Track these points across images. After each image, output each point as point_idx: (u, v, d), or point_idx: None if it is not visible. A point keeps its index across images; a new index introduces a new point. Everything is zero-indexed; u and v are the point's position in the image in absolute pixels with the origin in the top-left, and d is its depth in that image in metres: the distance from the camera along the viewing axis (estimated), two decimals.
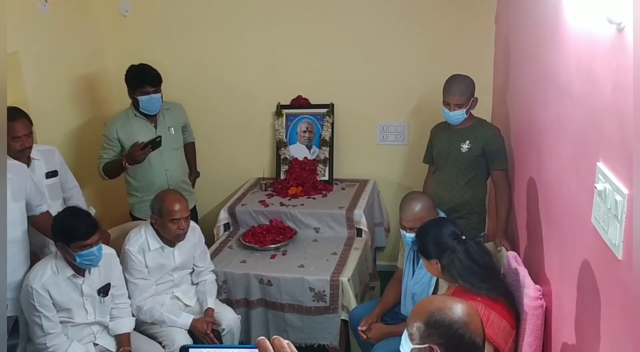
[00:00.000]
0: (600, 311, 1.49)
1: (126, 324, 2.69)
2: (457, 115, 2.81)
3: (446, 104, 2.82)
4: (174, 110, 3.41)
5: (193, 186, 3.66)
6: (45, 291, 2.42)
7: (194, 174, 3.69)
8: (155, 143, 3.11)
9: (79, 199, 3.12)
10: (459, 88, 2.78)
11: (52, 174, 2.93)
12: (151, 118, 3.27)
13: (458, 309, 1.46)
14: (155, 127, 3.26)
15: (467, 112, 2.82)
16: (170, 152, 3.33)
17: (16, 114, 2.68)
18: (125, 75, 3.21)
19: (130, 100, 3.26)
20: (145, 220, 2.98)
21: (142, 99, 3.15)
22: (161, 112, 3.30)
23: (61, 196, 3.01)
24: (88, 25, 3.80)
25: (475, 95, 2.83)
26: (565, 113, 1.86)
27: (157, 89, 3.19)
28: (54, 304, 2.46)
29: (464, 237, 2.20)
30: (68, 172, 3.08)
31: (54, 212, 2.64)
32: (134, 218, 3.36)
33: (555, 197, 2.01)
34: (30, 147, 2.77)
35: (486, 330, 1.99)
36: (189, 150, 3.63)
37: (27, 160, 2.81)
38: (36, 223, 2.66)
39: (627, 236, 1.28)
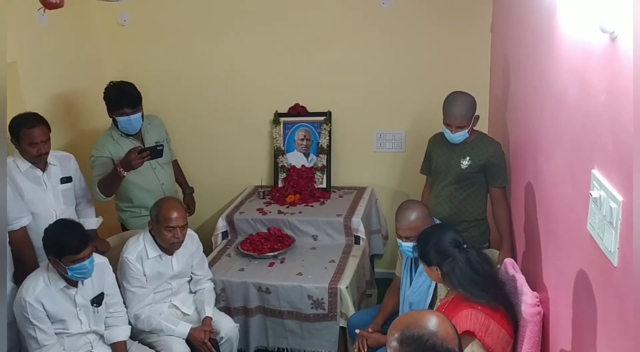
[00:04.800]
0: (597, 318, 1.50)
1: (122, 333, 2.68)
2: (459, 136, 2.73)
3: (447, 125, 2.73)
4: (155, 124, 3.35)
5: (194, 201, 3.64)
6: (39, 303, 2.41)
7: (188, 192, 3.63)
8: (156, 151, 2.98)
9: (89, 207, 3.13)
10: (460, 110, 2.67)
11: (66, 179, 2.96)
12: (136, 135, 3.17)
13: (426, 321, 1.50)
14: (143, 144, 3.15)
15: (469, 131, 2.73)
16: (164, 166, 3.30)
17: (35, 121, 2.72)
18: (104, 94, 3.08)
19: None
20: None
21: (120, 119, 3.06)
22: (144, 127, 3.22)
23: (74, 202, 3.02)
24: (86, 34, 3.82)
25: (476, 113, 2.75)
26: (561, 120, 1.87)
27: (137, 110, 3.07)
28: (48, 316, 2.45)
29: (465, 245, 2.19)
30: (82, 179, 3.08)
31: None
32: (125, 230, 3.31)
33: (551, 203, 2.02)
34: (47, 153, 2.80)
35: (485, 339, 2.00)
36: (176, 168, 3.56)
37: (44, 166, 2.85)
38: (13, 239, 2.59)
39: (623, 243, 1.29)
